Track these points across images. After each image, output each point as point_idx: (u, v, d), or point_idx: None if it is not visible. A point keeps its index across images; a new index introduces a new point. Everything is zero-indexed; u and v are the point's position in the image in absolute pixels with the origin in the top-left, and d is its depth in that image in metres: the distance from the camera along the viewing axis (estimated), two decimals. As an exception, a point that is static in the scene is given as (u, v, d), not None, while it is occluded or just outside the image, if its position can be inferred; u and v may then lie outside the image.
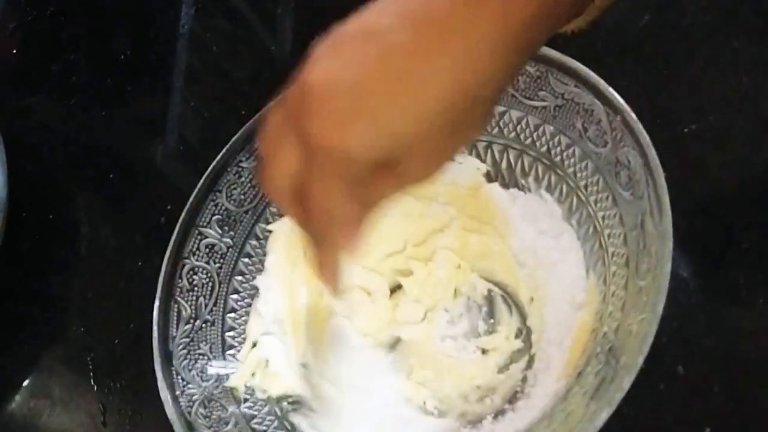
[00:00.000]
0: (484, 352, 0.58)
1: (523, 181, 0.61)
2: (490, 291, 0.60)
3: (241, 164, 0.63)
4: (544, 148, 0.58)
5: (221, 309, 0.61)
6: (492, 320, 0.59)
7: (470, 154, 0.62)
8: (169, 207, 0.71)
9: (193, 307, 0.59)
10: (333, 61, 0.39)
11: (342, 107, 0.38)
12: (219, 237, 0.62)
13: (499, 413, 0.55)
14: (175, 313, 0.58)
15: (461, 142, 0.42)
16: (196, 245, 0.61)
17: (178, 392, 0.55)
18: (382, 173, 0.40)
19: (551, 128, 0.57)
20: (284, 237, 0.63)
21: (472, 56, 0.37)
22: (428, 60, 0.37)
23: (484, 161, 0.62)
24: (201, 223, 0.61)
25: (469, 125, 0.41)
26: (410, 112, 0.38)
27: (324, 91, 0.38)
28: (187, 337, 0.58)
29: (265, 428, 0.57)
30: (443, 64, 0.37)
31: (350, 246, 0.42)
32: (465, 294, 0.61)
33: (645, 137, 0.50)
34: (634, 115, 0.51)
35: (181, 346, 0.58)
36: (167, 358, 0.56)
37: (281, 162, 0.41)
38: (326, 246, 0.43)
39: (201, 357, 0.58)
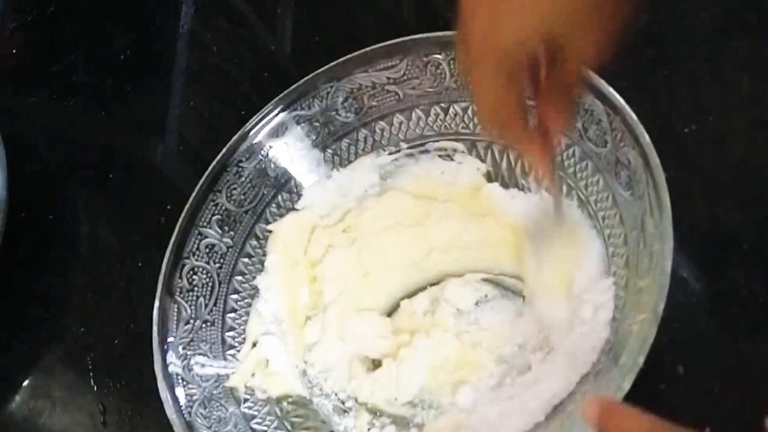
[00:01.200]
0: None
1: (523, 181, 0.61)
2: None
3: (241, 164, 0.63)
4: (545, 148, 0.58)
5: (221, 309, 0.61)
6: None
7: (470, 154, 0.62)
8: (169, 207, 0.71)
9: (192, 307, 0.59)
10: None
11: (492, 6, 0.42)
12: (219, 237, 0.62)
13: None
14: (175, 313, 0.58)
15: (618, 17, 0.43)
16: (196, 245, 0.61)
17: (177, 392, 0.55)
18: (558, 61, 0.44)
19: (551, 128, 0.57)
20: (284, 237, 0.63)
21: None
22: None
23: (484, 161, 0.62)
24: (201, 223, 0.61)
25: (613, 12, 0.43)
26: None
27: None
28: (187, 337, 0.58)
29: (265, 428, 0.57)
30: None
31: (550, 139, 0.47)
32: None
33: (645, 137, 0.50)
34: (634, 115, 0.51)
35: (181, 346, 0.58)
36: (167, 358, 0.56)
37: (470, 71, 0.45)
38: (519, 138, 0.47)
39: (201, 357, 0.58)
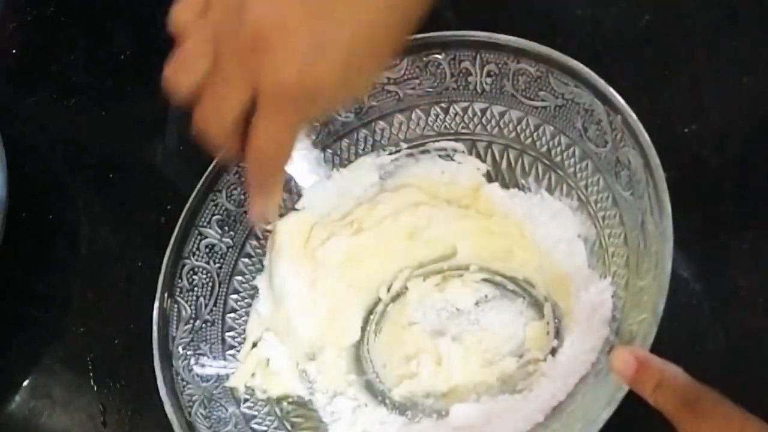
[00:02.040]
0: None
1: (523, 181, 0.61)
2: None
3: (241, 164, 0.63)
4: (544, 148, 0.58)
5: (221, 309, 0.61)
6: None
7: (470, 154, 0.62)
8: (169, 207, 0.71)
9: (193, 307, 0.59)
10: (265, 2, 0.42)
11: (281, 45, 0.41)
12: (219, 237, 0.62)
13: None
14: (175, 313, 0.58)
15: (358, 89, 0.48)
16: (196, 245, 0.61)
17: (177, 392, 0.55)
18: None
19: (551, 128, 0.57)
20: (284, 237, 0.63)
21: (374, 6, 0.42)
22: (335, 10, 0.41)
23: (484, 161, 0.62)
24: (201, 223, 0.61)
25: (369, 72, 0.46)
26: (328, 57, 0.41)
27: (264, 28, 0.41)
28: (187, 337, 0.58)
29: (265, 428, 0.57)
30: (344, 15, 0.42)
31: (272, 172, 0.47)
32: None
33: (645, 137, 0.50)
34: (634, 115, 0.51)
35: (181, 346, 0.57)
36: (167, 358, 0.56)
37: (227, 99, 0.44)
38: (262, 176, 0.47)
39: (201, 357, 0.58)
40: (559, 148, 0.57)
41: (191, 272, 0.60)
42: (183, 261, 0.60)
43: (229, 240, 0.62)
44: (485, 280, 0.61)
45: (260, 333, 0.61)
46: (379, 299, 0.63)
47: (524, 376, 0.55)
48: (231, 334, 0.60)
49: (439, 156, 0.63)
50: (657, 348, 0.44)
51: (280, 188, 0.50)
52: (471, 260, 0.62)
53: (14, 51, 0.90)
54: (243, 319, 0.61)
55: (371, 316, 0.63)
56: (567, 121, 0.56)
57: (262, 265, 0.63)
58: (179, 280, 0.59)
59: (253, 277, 0.62)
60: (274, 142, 0.45)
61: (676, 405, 0.41)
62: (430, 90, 0.61)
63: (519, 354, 0.57)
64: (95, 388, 0.67)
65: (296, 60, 0.41)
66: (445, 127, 0.62)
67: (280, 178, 0.49)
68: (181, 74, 0.46)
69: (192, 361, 0.57)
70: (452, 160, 0.63)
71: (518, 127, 0.59)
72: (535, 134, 0.58)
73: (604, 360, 0.49)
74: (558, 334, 0.56)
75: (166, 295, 0.58)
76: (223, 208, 0.62)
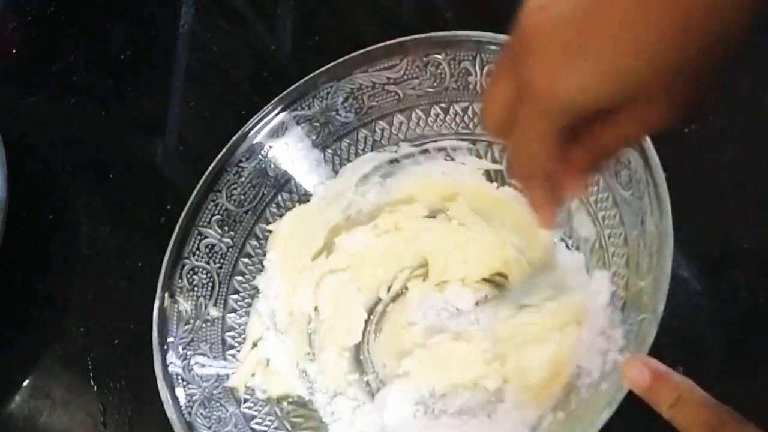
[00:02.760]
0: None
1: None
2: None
3: (241, 164, 0.63)
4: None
5: (221, 309, 0.61)
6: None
7: (470, 154, 0.62)
8: (169, 207, 0.71)
9: (192, 308, 0.59)
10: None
11: (561, 46, 0.36)
12: (219, 237, 0.62)
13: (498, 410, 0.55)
14: (175, 314, 0.58)
15: (703, 84, 0.37)
16: (196, 245, 0.61)
17: (177, 393, 0.55)
18: (606, 122, 0.38)
19: (551, 128, 0.57)
20: (284, 237, 0.63)
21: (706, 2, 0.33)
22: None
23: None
24: (201, 223, 0.61)
25: (710, 64, 0.36)
26: (633, 49, 0.34)
27: (541, 30, 0.36)
28: (187, 337, 0.58)
29: (265, 428, 0.57)
30: (670, 6, 0.34)
31: (558, 193, 0.42)
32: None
33: (645, 137, 0.50)
34: (634, 115, 0.51)
35: (180, 347, 0.58)
36: (167, 359, 0.56)
37: (496, 96, 0.40)
38: (531, 185, 0.42)
39: (201, 357, 0.58)
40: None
41: (191, 272, 0.60)
42: (183, 261, 0.60)
43: (229, 240, 0.62)
44: (485, 280, 0.61)
45: (260, 333, 0.61)
46: (380, 299, 0.63)
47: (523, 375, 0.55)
48: (231, 334, 0.60)
49: (439, 156, 0.63)
50: (657, 348, 0.44)
51: (547, 193, 0.42)
52: (469, 262, 0.62)
53: (14, 51, 0.90)
54: (243, 319, 0.61)
55: (371, 317, 0.63)
56: (567, 121, 0.56)
57: (262, 266, 0.63)
58: (179, 280, 0.59)
59: (253, 277, 0.62)
60: (525, 152, 0.40)
61: (697, 426, 0.40)
62: (430, 90, 0.61)
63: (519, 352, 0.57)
64: (95, 388, 0.67)
65: (545, 65, 0.36)
66: (445, 127, 0.62)
67: (540, 184, 0.42)
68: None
69: (192, 361, 0.57)
70: (452, 160, 0.63)
71: (518, 127, 0.59)
72: (535, 134, 0.58)
73: (604, 360, 0.49)
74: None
75: (166, 295, 0.58)
76: (223, 208, 0.62)
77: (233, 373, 0.59)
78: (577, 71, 0.35)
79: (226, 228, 0.62)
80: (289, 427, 0.57)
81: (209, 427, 0.55)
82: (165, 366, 0.56)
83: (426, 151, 0.63)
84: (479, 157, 0.62)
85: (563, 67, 0.36)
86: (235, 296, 0.61)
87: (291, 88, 0.63)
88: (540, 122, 0.38)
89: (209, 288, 0.60)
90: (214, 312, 0.60)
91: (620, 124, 0.38)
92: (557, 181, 0.41)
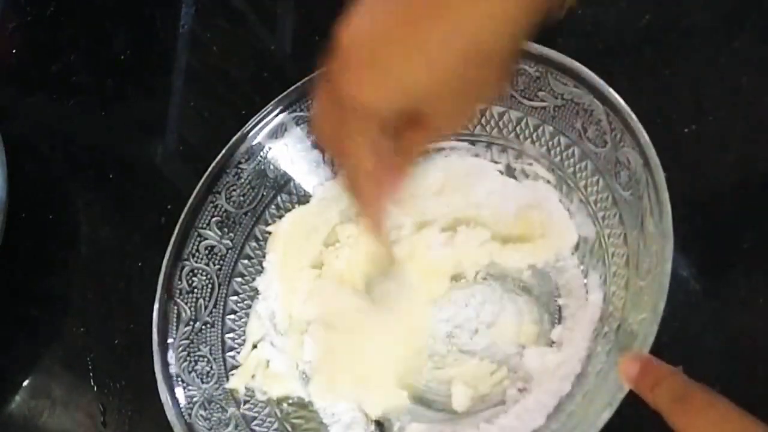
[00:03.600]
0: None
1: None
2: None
3: (241, 165, 0.63)
4: (544, 149, 0.58)
5: (221, 311, 0.61)
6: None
7: (469, 153, 0.62)
8: (169, 207, 0.71)
9: (192, 309, 0.59)
10: (362, 16, 0.41)
11: (361, 60, 0.41)
12: (218, 239, 0.62)
13: (499, 412, 0.55)
14: (175, 315, 0.58)
15: (480, 100, 0.45)
16: (195, 247, 0.61)
17: (177, 394, 0.55)
18: (413, 126, 0.43)
19: (551, 128, 0.57)
20: (283, 238, 0.63)
21: (486, 14, 0.39)
22: (443, 17, 0.39)
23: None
24: (200, 225, 0.61)
25: (486, 83, 0.43)
26: (424, 66, 0.40)
27: (348, 45, 0.41)
28: (187, 339, 0.58)
29: (265, 430, 0.57)
30: (457, 22, 0.39)
31: (383, 195, 0.47)
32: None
33: (645, 137, 0.50)
34: (634, 115, 0.51)
35: (180, 348, 0.58)
36: (167, 360, 0.56)
37: (322, 109, 0.45)
38: (361, 192, 0.47)
39: (201, 359, 0.58)
40: (558, 149, 0.57)
41: (191, 274, 0.60)
42: (182, 263, 0.60)
43: (228, 242, 0.62)
44: (485, 279, 0.61)
45: (260, 334, 0.61)
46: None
47: (524, 375, 0.55)
48: (231, 335, 0.60)
49: (438, 156, 0.63)
50: (657, 348, 0.44)
51: (376, 198, 0.48)
52: (469, 258, 0.62)
53: (14, 51, 0.90)
54: (243, 320, 0.61)
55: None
56: (566, 122, 0.56)
57: (262, 267, 0.63)
58: (179, 282, 0.59)
59: (253, 279, 0.62)
60: (352, 158, 0.45)
61: (669, 400, 0.41)
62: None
63: (519, 353, 0.57)
64: (95, 388, 0.67)
65: (353, 78, 0.41)
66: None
67: (367, 186, 0.47)
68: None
69: (192, 363, 0.57)
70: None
71: (518, 128, 0.59)
72: (534, 134, 0.58)
73: (604, 360, 0.49)
74: (558, 334, 0.56)
75: (165, 297, 0.58)
76: (223, 209, 0.62)
77: (233, 374, 0.59)
78: (377, 84, 0.41)
79: (226, 229, 0.62)
80: (289, 429, 0.57)
81: (209, 429, 0.55)
82: (165, 368, 0.56)
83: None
84: (478, 157, 0.62)
85: (367, 80, 0.41)
86: (235, 298, 0.61)
87: (291, 88, 0.63)
88: (358, 128, 0.43)
89: (209, 290, 0.60)
90: (213, 313, 0.60)
91: (417, 128, 0.44)
92: (383, 184, 0.47)
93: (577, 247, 0.57)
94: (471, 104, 0.45)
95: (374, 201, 0.48)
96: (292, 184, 0.64)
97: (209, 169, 0.62)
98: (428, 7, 0.40)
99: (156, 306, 0.58)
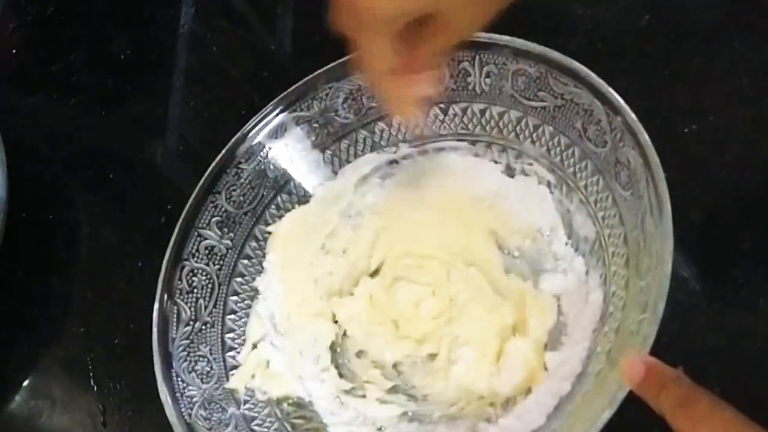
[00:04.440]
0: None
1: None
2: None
3: (241, 165, 0.63)
4: (544, 149, 0.58)
5: (221, 311, 0.61)
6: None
7: (469, 154, 0.62)
8: (169, 207, 0.71)
9: (192, 309, 0.59)
10: None
11: None
12: (218, 239, 0.62)
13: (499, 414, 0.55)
14: (175, 315, 0.58)
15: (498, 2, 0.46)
16: (195, 247, 0.61)
17: (177, 394, 0.55)
18: (431, 28, 0.47)
19: (551, 128, 0.57)
20: (283, 238, 0.63)
21: None
22: None
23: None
24: (200, 225, 0.61)
25: None
26: None
27: None
28: (187, 339, 0.58)
29: (265, 430, 0.57)
30: None
31: (407, 95, 0.51)
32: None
33: (645, 137, 0.50)
34: (634, 115, 0.51)
35: (180, 348, 0.58)
36: (167, 360, 0.56)
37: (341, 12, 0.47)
38: (384, 87, 0.51)
39: (201, 359, 0.58)
40: (558, 149, 0.57)
41: (191, 274, 0.60)
42: (182, 263, 0.60)
43: (228, 242, 0.62)
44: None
45: (260, 334, 0.61)
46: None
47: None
48: (231, 335, 0.60)
49: (439, 156, 0.63)
50: (657, 348, 0.44)
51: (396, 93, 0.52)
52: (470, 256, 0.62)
53: (14, 51, 0.91)
54: (243, 320, 0.61)
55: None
56: (566, 122, 0.56)
57: (262, 267, 0.63)
58: (179, 282, 0.59)
59: (253, 279, 0.62)
60: (371, 59, 0.49)
61: (674, 405, 0.41)
62: (429, 90, 0.61)
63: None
64: (95, 388, 0.67)
65: None
66: (445, 128, 0.62)
67: (391, 83, 0.51)
68: None
69: (192, 363, 0.57)
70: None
71: (517, 128, 0.59)
72: (534, 134, 0.58)
73: (604, 360, 0.49)
74: (558, 333, 0.56)
75: (165, 297, 0.58)
76: (223, 209, 0.62)
77: (233, 374, 0.59)
78: None
79: (226, 229, 0.62)
80: (289, 429, 0.57)
81: (209, 429, 0.55)
82: (165, 368, 0.56)
83: (425, 151, 0.63)
84: (478, 157, 0.62)
85: None
86: (235, 298, 0.61)
87: (291, 88, 0.63)
88: (375, 32, 0.46)
89: (209, 290, 0.60)
90: (213, 313, 0.60)
91: (441, 29, 0.47)
92: (410, 79, 0.50)
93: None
94: (485, 5, 0.47)
95: (400, 100, 0.52)
96: (292, 184, 0.64)
97: (209, 169, 0.62)
98: None
99: (156, 306, 0.58)
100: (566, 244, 0.57)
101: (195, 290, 0.60)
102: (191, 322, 0.59)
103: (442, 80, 0.58)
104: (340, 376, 0.60)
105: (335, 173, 0.64)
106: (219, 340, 0.60)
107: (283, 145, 0.64)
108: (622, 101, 0.52)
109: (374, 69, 0.49)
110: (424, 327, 0.60)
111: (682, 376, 0.42)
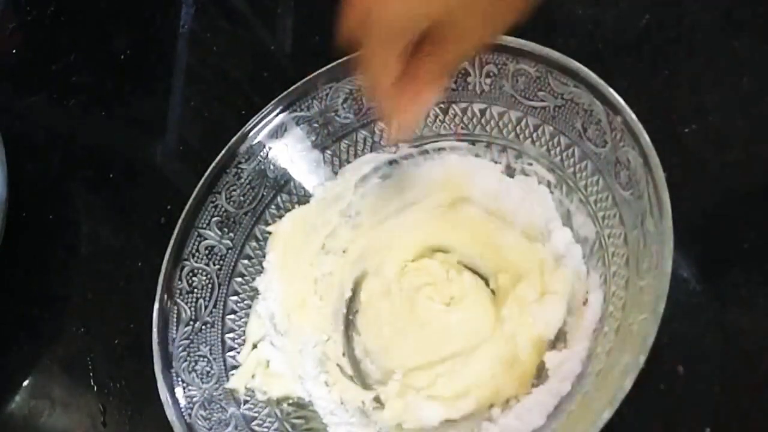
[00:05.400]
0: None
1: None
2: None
3: (241, 165, 0.63)
4: (544, 148, 0.58)
5: (221, 311, 0.61)
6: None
7: (470, 154, 0.62)
8: (169, 207, 0.71)
9: (192, 309, 0.59)
10: None
11: None
12: (218, 239, 0.62)
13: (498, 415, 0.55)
14: (175, 315, 0.58)
15: (505, 14, 0.46)
16: (195, 247, 0.61)
17: (178, 394, 0.55)
18: (438, 41, 0.46)
19: (551, 128, 0.57)
20: (283, 238, 0.63)
21: None
22: None
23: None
24: (200, 225, 0.61)
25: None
26: None
27: None
28: (187, 339, 0.58)
29: (265, 430, 0.57)
30: None
31: (404, 109, 0.50)
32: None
33: (645, 137, 0.50)
34: (634, 115, 0.51)
35: (180, 348, 0.58)
36: (167, 360, 0.56)
37: (348, 19, 0.47)
38: (381, 99, 0.50)
39: (201, 359, 0.58)
40: (558, 149, 0.57)
41: (191, 274, 0.60)
42: (182, 263, 0.60)
43: (228, 242, 0.62)
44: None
45: (260, 334, 0.61)
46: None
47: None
48: (231, 335, 0.60)
49: (439, 156, 0.63)
50: (657, 348, 0.44)
51: (395, 108, 0.51)
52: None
53: (14, 51, 0.91)
54: (243, 320, 0.61)
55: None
56: (566, 122, 0.56)
57: (262, 267, 0.63)
58: (179, 282, 0.59)
59: (253, 279, 0.62)
60: (375, 70, 0.49)
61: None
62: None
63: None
64: (95, 388, 0.67)
65: None
66: (445, 128, 0.62)
67: (389, 97, 0.50)
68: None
69: (192, 363, 0.57)
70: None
71: (517, 128, 0.59)
72: (534, 134, 0.58)
73: (604, 360, 0.49)
74: (558, 333, 0.56)
75: (165, 297, 0.58)
76: (223, 209, 0.62)
77: (233, 374, 0.59)
78: (400, 4, 0.44)
79: (226, 229, 0.62)
80: (289, 429, 0.57)
81: (209, 429, 0.55)
82: (165, 367, 0.56)
83: (425, 151, 0.63)
84: (478, 157, 0.62)
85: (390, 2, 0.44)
86: (235, 298, 0.61)
87: (291, 88, 0.63)
88: (385, 45, 0.46)
89: (209, 290, 0.60)
90: (213, 313, 0.60)
91: (448, 43, 0.46)
92: (411, 93, 0.49)
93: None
94: (495, 21, 0.46)
95: (394, 114, 0.51)
96: (292, 184, 0.64)
97: (209, 169, 0.62)
98: None
99: (156, 306, 0.58)
100: (566, 244, 0.57)
101: (195, 290, 0.60)
102: (191, 322, 0.59)
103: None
104: (343, 377, 0.60)
105: (335, 173, 0.64)
106: (219, 340, 0.60)
107: (283, 145, 0.64)
108: (622, 101, 0.52)
109: (378, 81, 0.49)
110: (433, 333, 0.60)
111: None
